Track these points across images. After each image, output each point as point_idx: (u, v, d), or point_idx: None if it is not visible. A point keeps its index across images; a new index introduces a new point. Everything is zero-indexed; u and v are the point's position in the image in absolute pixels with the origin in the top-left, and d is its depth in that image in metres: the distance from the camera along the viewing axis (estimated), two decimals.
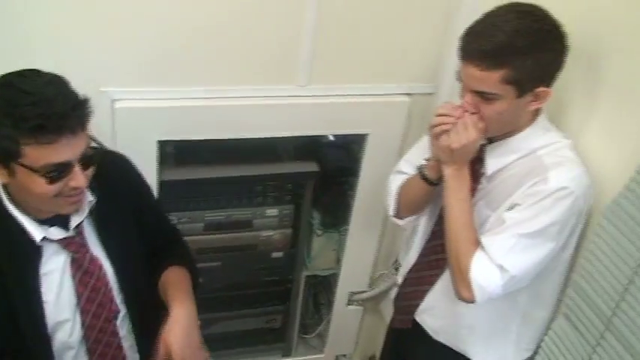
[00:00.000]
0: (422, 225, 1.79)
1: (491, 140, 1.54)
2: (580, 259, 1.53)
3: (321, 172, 2.35)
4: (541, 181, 1.43)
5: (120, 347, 1.55)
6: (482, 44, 1.35)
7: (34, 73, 1.23)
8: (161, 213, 1.74)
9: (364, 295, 2.64)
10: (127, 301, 1.53)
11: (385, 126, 2.19)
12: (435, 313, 1.75)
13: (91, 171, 1.32)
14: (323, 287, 2.85)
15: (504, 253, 1.43)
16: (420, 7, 2.02)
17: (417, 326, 1.81)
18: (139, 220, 1.56)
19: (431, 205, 1.75)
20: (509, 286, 1.45)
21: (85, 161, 1.28)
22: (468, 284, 1.45)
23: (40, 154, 1.20)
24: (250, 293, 2.60)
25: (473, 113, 1.45)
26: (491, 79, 1.37)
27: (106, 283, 1.48)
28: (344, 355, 2.90)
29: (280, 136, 2.13)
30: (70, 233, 1.40)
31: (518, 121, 1.49)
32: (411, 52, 2.09)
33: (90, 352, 1.50)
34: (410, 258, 1.83)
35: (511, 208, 1.47)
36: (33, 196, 1.28)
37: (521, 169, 1.50)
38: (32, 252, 1.35)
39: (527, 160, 1.50)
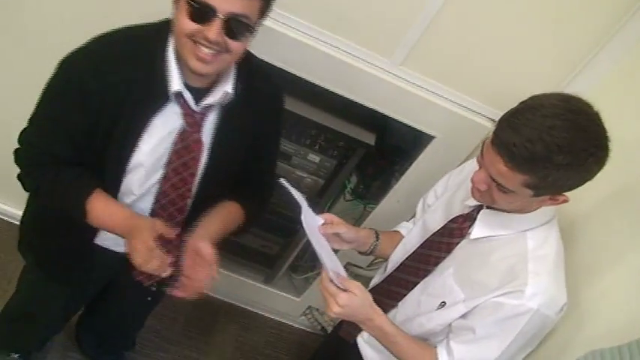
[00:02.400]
0: (395, 253, 1.77)
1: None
2: None
3: (376, 146, 2.29)
4: (518, 292, 1.36)
5: (179, 223, 1.60)
6: (517, 146, 1.23)
7: None
8: (274, 154, 1.75)
9: (358, 271, 2.64)
10: (199, 194, 1.58)
11: (455, 139, 2.10)
12: (375, 344, 1.70)
13: (236, 46, 1.32)
14: None
15: None
16: (548, 50, 1.88)
17: (356, 347, 1.79)
18: (254, 144, 1.58)
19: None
20: None
21: (231, 27, 1.28)
22: None
23: None
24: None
25: None
26: (513, 179, 1.28)
27: (196, 168, 1.52)
28: (316, 309, 2.95)
29: (354, 100, 2.06)
30: (196, 108, 1.43)
31: (524, 209, 1.42)
32: (518, 84, 1.95)
33: (153, 212, 1.57)
34: (376, 277, 1.83)
35: (477, 305, 1.43)
36: (176, 31, 1.32)
37: (504, 257, 1.43)
38: (159, 99, 1.40)
39: (514, 243, 1.43)
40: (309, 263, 2.90)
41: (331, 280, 1.40)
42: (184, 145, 1.47)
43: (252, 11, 1.29)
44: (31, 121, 1.48)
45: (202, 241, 1.46)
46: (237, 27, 1.29)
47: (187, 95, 1.41)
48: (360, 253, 1.77)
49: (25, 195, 1.62)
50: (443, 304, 1.51)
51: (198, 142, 1.48)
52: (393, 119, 2.11)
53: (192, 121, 1.45)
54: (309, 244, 2.76)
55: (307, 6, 1.87)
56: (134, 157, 1.45)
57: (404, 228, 1.84)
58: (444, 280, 1.53)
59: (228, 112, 1.48)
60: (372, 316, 1.45)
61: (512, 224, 1.44)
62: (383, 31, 1.89)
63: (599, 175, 1.29)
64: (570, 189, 1.32)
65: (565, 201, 1.35)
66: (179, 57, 1.37)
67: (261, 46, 1.91)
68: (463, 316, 1.46)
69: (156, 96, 1.40)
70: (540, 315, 1.36)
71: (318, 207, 2.51)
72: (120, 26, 1.42)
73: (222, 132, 1.50)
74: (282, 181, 1.49)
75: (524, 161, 1.23)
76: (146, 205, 1.56)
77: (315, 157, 2.37)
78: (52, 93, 1.43)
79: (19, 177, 1.53)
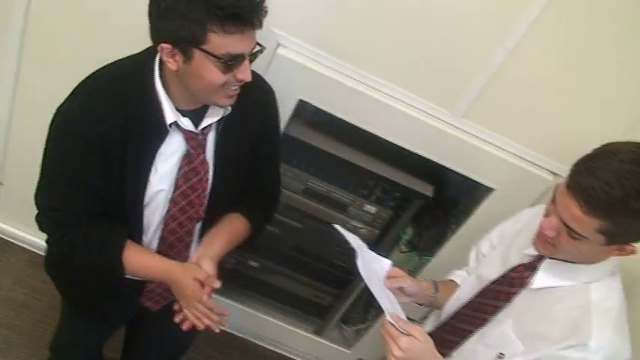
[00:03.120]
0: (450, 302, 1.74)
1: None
2: None
3: (434, 198, 2.28)
4: (582, 346, 1.33)
5: (188, 247, 1.64)
6: (595, 189, 1.22)
7: None
8: (275, 160, 1.76)
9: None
10: (209, 212, 1.60)
11: (515, 191, 2.09)
12: None
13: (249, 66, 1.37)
14: None
15: None
16: (609, 102, 1.88)
17: None
18: (254, 152, 1.60)
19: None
20: None
21: (252, 58, 1.36)
22: None
23: (223, 42, 1.26)
24: (315, 265, 2.62)
25: None
26: (587, 225, 1.26)
27: (204, 188, 1.54)
28: None
29: (414, 151, 2.07)
30: (196, 130, 1.46)
31: (589, 259, 1.39)
32: (579, 135, 1.94)
33: (162, 239, 1.60)
34: (428, 325, 1.81)
35: (538, 359, 1.39)
36: (201, 83, 1.34)
37: (567, 308, 1.40)
38: (159, 132, 1.43)
39: (577, 295, 1.40)
40: (361, 315, 2.87)
41: (392, 324, 1.39)
42: (190, 167, 1.49)
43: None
44: (43, 186, 1.49)
45: (204, 261, 1.51)
46: (254, 57, 1.37)
47: (184, 121, 1.43)
48: (420, 304, 1.74)
49: None
50: (501, 356, 1.47)
51: (204, 163, 1.51)
52: (451, 170, 2.12)
53: (196, 143, 1.47)
54: (361, 295, 2.77)
55: (369, 58, 1.90)
56: (149, 189, 1.48)
57: (458, 277, 1.82)
58: (502, 331, 1.49)
59: (225, 126, 1.50)
60: None
61: (576, 275, 1.42)
62: (445, 84, 1.91)
63: None
64: None
65: (633, 251, 1.33)
66: (165, 86, 1.39)
67: (323, 95, 1.97)
68: None
69: (155, 129, 1.42)
70: None
71: None
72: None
73: (223, 147, 1.53)
74: (337, 226, 1.51)
75: (601, 205, 1.22)
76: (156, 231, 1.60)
77: (371, 208, 2.37)
78: (58, 153, 1.45)
79: (48, 242, 1.56)
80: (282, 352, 2.93)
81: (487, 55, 1.83)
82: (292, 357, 2.94)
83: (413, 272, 2.48)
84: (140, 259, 1.53)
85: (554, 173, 2.04)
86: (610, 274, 1.42)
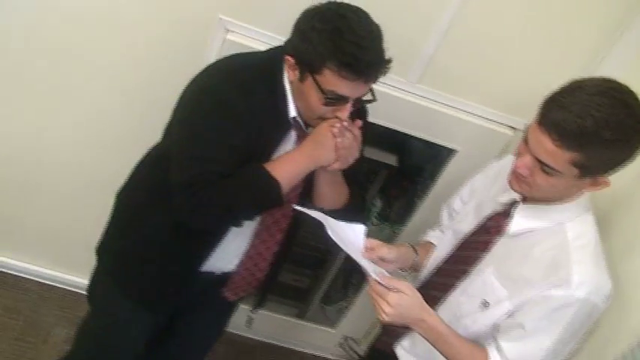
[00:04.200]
0: (430, 262, 1.76)
1: (524, 198, 1.47)
2: None
3: (399, 167, 2.30)
4: (564, 283, 1.36)
5: (283, 230, 1.71)
6: (566, 121, 1.25)
7: (364, 16, 1.40)
8: (360, 165, 1.74)
9: None
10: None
11: (477, 150, 2.11)
12: (417, 353, 1.69)
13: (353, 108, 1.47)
14: (358, 270, 2.82)
15: None
16: (561, 48, 1.91)
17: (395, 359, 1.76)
18: None
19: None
20: None
21: (356, 102, 1.46)
22: None
23: (334, 81, 1.37)
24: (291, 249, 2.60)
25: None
26: (561, 158, 1.29)
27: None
28: (352, 338, 2.91)
29: (375, 122, 2.07)
30: (306, 130, 1.55)
31: (564, 196, 1.42)
32: (536, 86, 1.96)
33: (262, 220, 1.66)
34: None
35: (524, 301, 1.41)
36: (304, 104, 1.47)
37: (545, 249, 1.43)
38: (285, 125, 1.53)
39: (553, 235, 1.43)
40: (340, 293, 2.89)
41: (379, 282, 1.39)
42: None
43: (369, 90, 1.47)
44: (187, 157, 1.49)
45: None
46: (360, 102, 1.48)
47: (300, 119, 1.52)
48: (401, 270, 1.76)
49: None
50: (486, 304, 1.49)
51: None
52: (412, 138, 2.13)
53: (300, 130, 1.56)
54: (338, 274, 2.78)
55: None
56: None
57: (433, 237, 1.84)
58: (484, 279, 1.51)
59: None
60: (424, 317, 1.44)
61: (550, 215, 1.45)
62: (396, 51, 1.90)
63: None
64: (612, 169, 1.33)
65: (606, 184, 1.36)
66: (291, 85, 1.48)
67: None
68: (510, 315, 1.45)
69: (281, 122, 1.51)
70: (588, 304, 1.36)
71: None
72: None
73: None
74: (296, 207, 1.52)
75: (573, 137, 1.25)
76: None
77: None
78: (204, 119, 1.47)
79: (183, 216, 1.50)
80: (268, 341, 2.92)
81: (434, 17, 1.84)
82: (278, 343, 2.94)
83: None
84: (282, 164, 1.51)
85: (514, 128, 2.07)
86: (583, 211, 1.45)
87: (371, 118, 2.03)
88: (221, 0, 1.85)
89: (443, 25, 1.85)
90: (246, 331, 2.84)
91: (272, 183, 1.48)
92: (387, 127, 2.12)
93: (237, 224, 1.58)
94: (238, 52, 1.74)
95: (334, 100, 1.41)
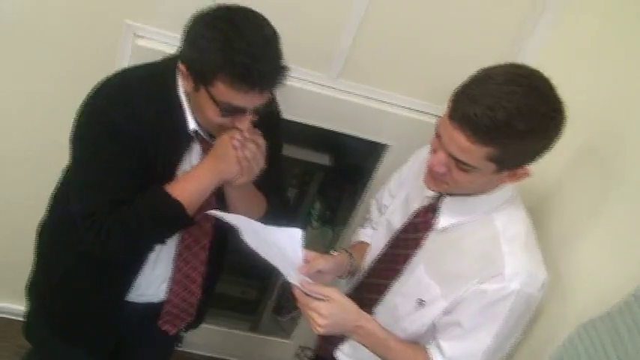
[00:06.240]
0: (365, 262, 1.70)
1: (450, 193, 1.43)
2: None
3: (333, 167, 2.24)
4: (498, 276, 1.32)
5: (204, 247, 1.63)
6: (479, 116, 1.18)
7: (257, 21, 1.31)
8: (278, 168, 1.71)
9: None
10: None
11: (410, 143, 2.04)
12: (357, 357, 1.62)
13: (255, 117, 1.39)
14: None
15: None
16: (482, 30, 1.87)
17: None
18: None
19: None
20: None
21: (256, 111, 1.38)
22: None
23: (227, 93, 1.30)
24: (234, 260, 2.52)
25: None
26: (475, 153, 1.23)
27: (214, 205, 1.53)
28: (308, 348, 2.84)
29: (299, 121, 2.01)
30: (211, 141, 1.47)
31: (484, 189, 1.38)
32: (454, 76, 1.92)
33: (182, 237, 1.59)
34: (343, 287, 1.75)
35: (458, 297, 1.37)
36: (201, 115, 1.40)
37: (475, 242, 1.39)
38: (184, 139, 1.46)
39: (483, 228, 1.39)
40: (292, 302, 2.80)
41: (305, 294, 1.33)
42: None
43: (267, 99, 1.38)
44: (80, 187, 1.44)
45: None
46: (258, 111, 1.39)
47: (203, 131, 1.45)
48: (340, 278, 1.69)
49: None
50: (422, 303, 1.45)
51: None
52: (344, 136, 2.07)
53: (206, 143, 1.48)
54: (287, 282, 2.69)
55: None
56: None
57: (366, 236, 1.78)
58: (417, 277, 1.47)
59: None
60: (361, 323, 1.40)
61: (476, 207, 1.40)
62: (314, 46, 1.87)
63: (557, 143, 1.26)
64: (530, 160, 1.29)
65: (525, 174, 1.31)
66: (187, 95, 1.41)
67: None
68: (446, 313, 1.40)
69: (180, 135, 1.44)
70: (523, 294, 1.32)
71: None
72: None
73: None
74: (212, 212, 1.45)
75: (487, 131, 1.19)
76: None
77: None
78: (91, 144, 1.41)
79: (90, 245, 1.43)
80: (223, 357, 2.83)
81: (348, 7, 1.79)
82: (232, 359, 2.86)
83: (330, 246, 2.44)
84: (184, 183, 1.45)
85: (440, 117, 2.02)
86: (509, 200, 1.40)
87: (295, 117, 1.99)
88: (126, 5, 1.78)
89: (358, 15, 1.80)
90: (199, 347, 2.77)
91: (173, 204, 1.42)
92: (316, 127, 2.06)
93: (149, 249, 1.52)
94: (151, 58, 1.68)
95: (230, 111, 1.34)
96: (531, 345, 1.52)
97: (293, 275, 1.38)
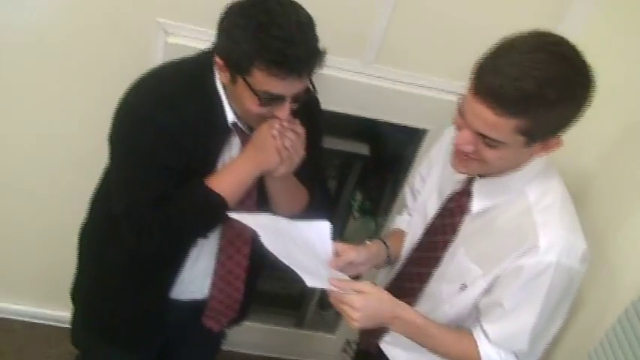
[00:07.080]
0: (404, 250, 1.66)
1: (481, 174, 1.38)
2: None
3: (372, 156, 2.21)
4: (533, 249, 1.27)
5: (247, 240, 1.60)
6: (505, 87, 1.13)
7: (291, 7, 1.29)
8: (318, 159, 1.68)
9: None
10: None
11: (447, 125, 2.00)
12: (402, 342, 1.56)
13: (294, 105, 1.38)
14: None
15: (519, 343, 1.35)
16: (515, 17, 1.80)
17: (382, 354, 1.67)
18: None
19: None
20: None
21: (295, 99, 1.36)
22: None
23: (265, 81, 1.28)
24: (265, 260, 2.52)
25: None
26: (504, 127, 1.17)
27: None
28: (355, 341, 2.80)
29: (335, 111, 1.98)
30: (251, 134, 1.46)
31: (516, 165, 1.32)
32: None
33: (223, 232, 1.57)
34: (381, 276, 1.73)
35: (497, 277, 1.34)
36: (240, 107, 1.39)
37: (510, 218, 1.34)
38: (223, 132, 1.44)
39: (516, 202, 1.34)
40: None
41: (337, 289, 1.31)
42: None
43: (306, 85, 1.37)
44: (121, 184, 1.45)
45: None
46: (298, 98, 1.37)
47: (242, 123, 1.44)
48: (377, 268, 1.66)
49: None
50: (463, 287, 1.41)
51: None
52: (381, 124, 2.04)
53: (245, 136, 1.47)
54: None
55: None
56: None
57: (403, 223, 1.74)
58: (458, 262, 1.43)
59: None
60: (397, 312, 1.36)
61: (509, 186, 1.35)
62: (347, 33, 1.83)
63: (597, 122, 1.21)
64: (562, 129, 1.23)
65: (558, 145, 1.26)
66: (225, 88, 1.40)
67: None
68: (487, 294, 1.36)
69: (220, 129, 1.43)
70: (563, 267, 1.26)
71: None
72: None
73: None
74: (231, 214, 1.43)
75: (514, 103, 1.14)
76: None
77: None
78: (132, 141, 1.41)
79: (133, 243, 1.43)
80: (267, 354, 2.82)
81: None
82: (279, 356, 2.84)
83: (373, 237, 2.40)
84: (224, 175, 1.44)
85: None
86: (542, 171, 1.35)
87: (331, 107, 1.95)
88: (156, 3, 1.77)
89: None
90: (244, 346, 2.76)
91: (214, 198, 1.41)
92: (354, 116, 2.03)
93: (192, 244, 1.51)
94: (182, 54, 1.67)
95: (269, 100, 1.32)
96: (575, 331, 1.48)
97: (323, 272, 1.35)
